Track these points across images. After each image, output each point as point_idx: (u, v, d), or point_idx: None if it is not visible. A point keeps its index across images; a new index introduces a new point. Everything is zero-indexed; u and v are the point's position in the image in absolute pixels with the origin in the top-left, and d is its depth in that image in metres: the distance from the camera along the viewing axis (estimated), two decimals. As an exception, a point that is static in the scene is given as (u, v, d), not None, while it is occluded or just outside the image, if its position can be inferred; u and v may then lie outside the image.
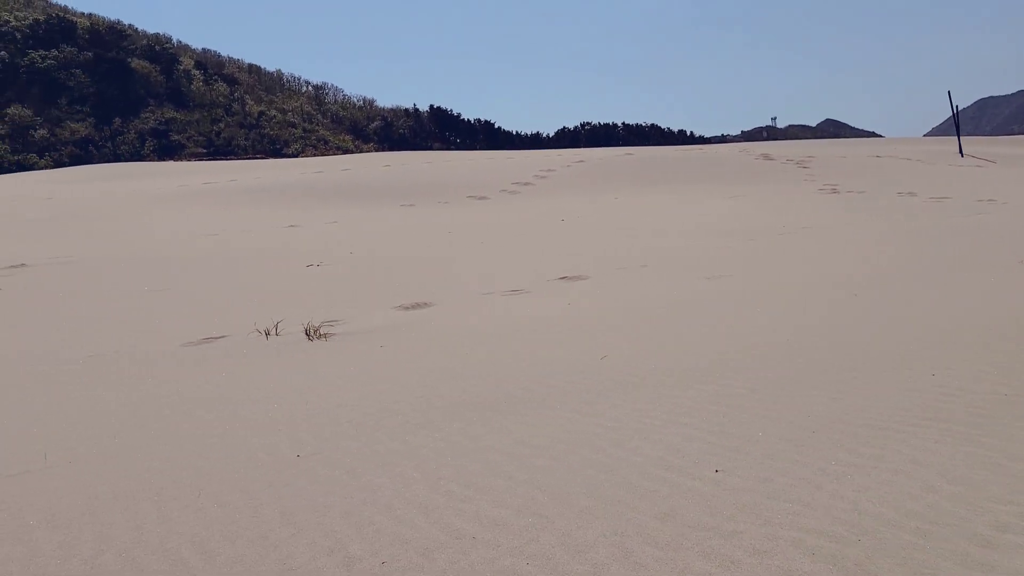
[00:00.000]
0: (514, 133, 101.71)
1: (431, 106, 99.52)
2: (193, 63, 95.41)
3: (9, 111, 79.21)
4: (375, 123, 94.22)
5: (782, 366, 6.73)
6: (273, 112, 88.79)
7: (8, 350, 10.74)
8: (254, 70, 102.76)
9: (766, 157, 41.22)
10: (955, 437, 4.84)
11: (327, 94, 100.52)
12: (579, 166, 38.80)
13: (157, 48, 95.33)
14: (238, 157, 72.74)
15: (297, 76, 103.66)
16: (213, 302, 12.96)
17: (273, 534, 4.34)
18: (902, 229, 17.23)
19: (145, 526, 4.70)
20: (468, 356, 8.11)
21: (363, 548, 4.03)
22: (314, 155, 77.04)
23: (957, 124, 44.15)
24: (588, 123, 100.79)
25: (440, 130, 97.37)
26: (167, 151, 76.44)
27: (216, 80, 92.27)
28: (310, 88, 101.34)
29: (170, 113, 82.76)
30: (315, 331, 9.66)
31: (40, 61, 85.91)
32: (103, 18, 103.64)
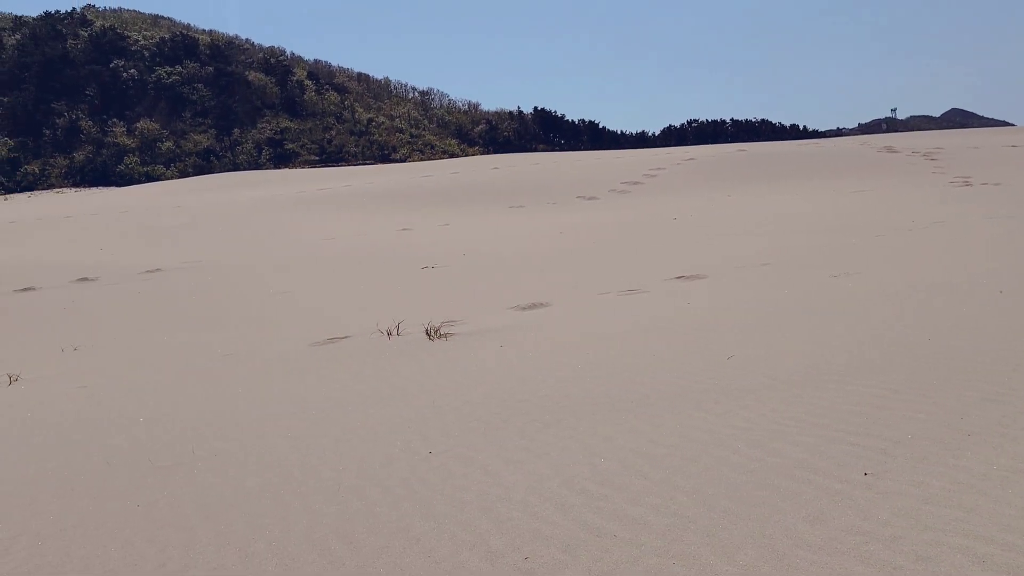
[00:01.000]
0: (619, 132, 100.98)
1: (535, 108, 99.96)
2: (306, 74, 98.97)
3: (139, 125, 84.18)
4: (480, 126, 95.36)
5: (926, 366, 6.41)
6: (381, 119, 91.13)
7: (150, 350, 11.39)
8: (363, 78, 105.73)
9: (889, 150, 39.49)
10: None
11: (433, 99, 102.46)
12: (689, 164, 38.18)
13: (272, 61, 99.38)
14: (349, 163, 74.99)
15: (404, 83, 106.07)
16: (335, 303, 13.39)
17: (414, 527, 4.43)
18: (1043, 222, 16.15)
19: (291, 518, 4.89)
20: (590, 356, 8.08)
21: (504, 543, 4.07)
22: (420, 159, 78.64)
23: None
24: (695, 120, 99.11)
25: (544, 132, 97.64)
26: (282, 159, 79.54)
27: (327, 89, 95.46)
28: (416, 94, 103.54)
29: (285, 123, 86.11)
30: (435, 331, 9.82)
31: (166, 77, 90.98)
32: (223, 34, 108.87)
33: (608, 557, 3.76)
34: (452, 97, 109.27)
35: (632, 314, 10.06)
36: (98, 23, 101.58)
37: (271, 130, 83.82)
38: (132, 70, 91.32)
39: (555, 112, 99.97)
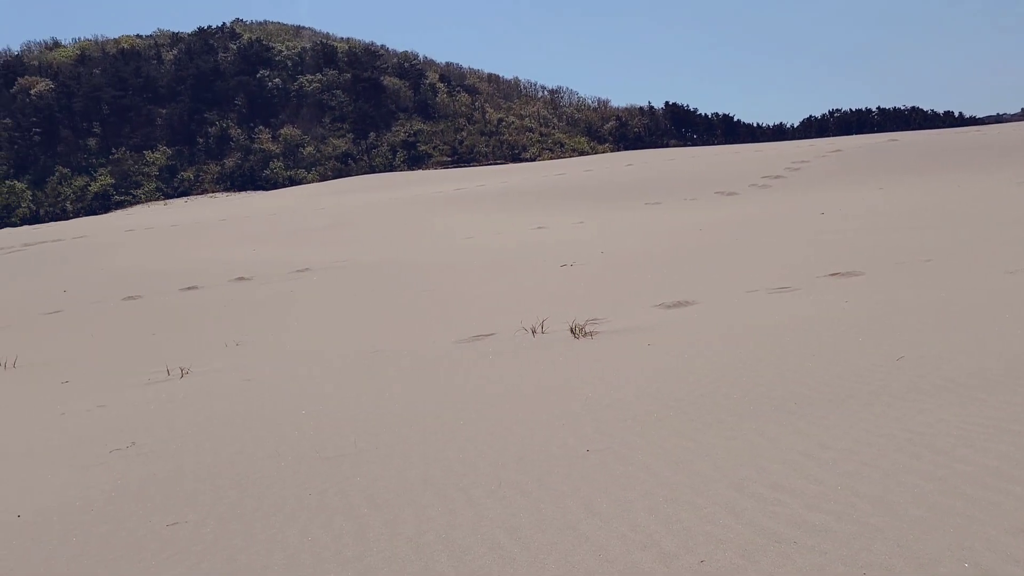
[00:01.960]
0: (755, 125, 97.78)
1: (666, 103, 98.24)
2: (438, 76, 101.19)
3: (283, 132, 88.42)
4: (610, 123, 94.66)
5: None
6: (511, 118, 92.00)
7: (305, 346, 11.93)
8: (493, 79, 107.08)
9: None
10: None
11: (562, 97, 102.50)
12: (836, 156, 36.52)
13: (406, 65, 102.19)
14: (479, 163, 76.20)
15: (533, 82, 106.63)
16: (477, 301, 13.60)
17: (581, 525, 4.42)
18: None
19: (457, 510, 4.98)
20: (743, 355, 7.85)
21: (676, 545, 3.99)
22: (550, 158, 78.88)
23: None
24: (837, 110, 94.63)
25: (676, 127, 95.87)
26: (415, 161, 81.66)
27: (459, 91, 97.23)
28: (546, 93, 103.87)
29: (418, 125, 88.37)
30: (580, 329, 9.79)
31: (307, 85, 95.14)
32: (359, 41, 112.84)
33: (789, 564, 3.63)
34: (581, 95, 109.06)
35: (785, 312, 9.71)
36: (246, 36, 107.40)
37: (405, 133, 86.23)
38: (276, 79, 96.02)
39: (687, 106, 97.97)
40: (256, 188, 79.40)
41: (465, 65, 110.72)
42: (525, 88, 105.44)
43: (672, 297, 11.47)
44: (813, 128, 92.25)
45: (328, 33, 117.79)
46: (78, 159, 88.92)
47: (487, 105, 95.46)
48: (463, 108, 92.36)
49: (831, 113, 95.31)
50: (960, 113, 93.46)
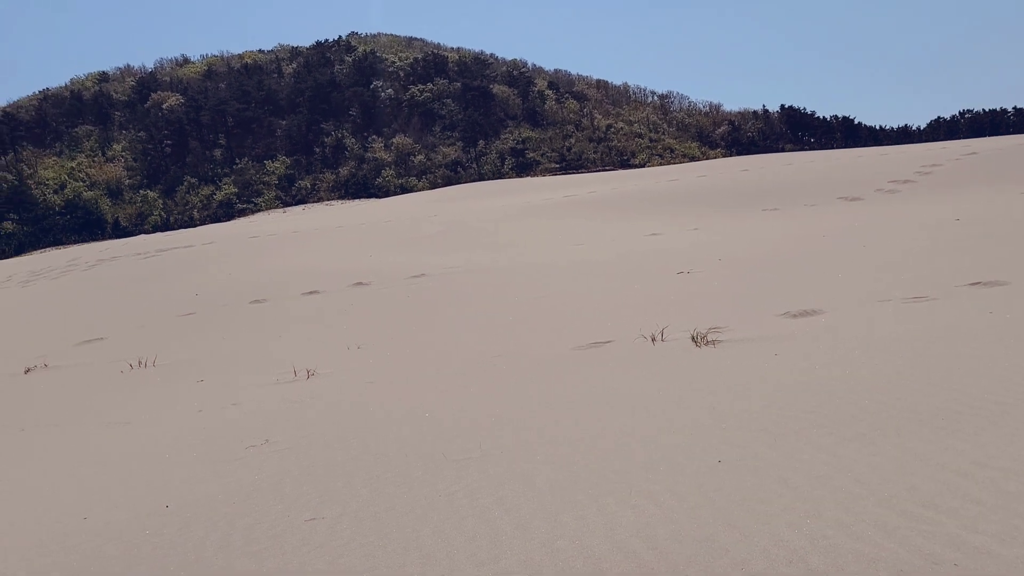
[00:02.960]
0: (877, 128, 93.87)
1: (782, 106, 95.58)
2: (546, 84, 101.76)
3: (395, 141, 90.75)
4: (722, 128, 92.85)
5: None
6: (620, 124, 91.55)
7: (424, 349, 12.14)
8: (602, 85, 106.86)
9: None
10: None
11: (672, 102, 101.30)
12: (971, 159, 34.59)
13: (515, 73, 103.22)
14: (588, 170, 76.04)
15: (642, 87, 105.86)
16: (592, 308, 13.54)
17: (719, 537, 4.32)
18: None
19: (588, 516, 4.96)
20: (879, 366, 7.51)
21: (824, 562, 3.85)
22: (660, 164, 77.98)
23: None
24: (968, 111, 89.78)
25: (792, 130, 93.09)
26: (523, 168, 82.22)
27: (567, 98, 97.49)
28: (655, 98, 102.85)
29: (526, 132, 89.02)
30: (702, 337, 9.61)
31: (419, 95, 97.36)
32: (469, 51, 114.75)
33: (951, 587, 3.44)
34: (692, 99, 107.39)
35: (922, 322, 9.24)
36: (360, 48, 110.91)
37: (513, 140, 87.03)
38: (389, 90, 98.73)
39: (804, 109, 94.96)
40: (369, 196, 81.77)
41: (574, 72, 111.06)
42: (634, 93, 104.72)
43: (797, 306, 11.10)
44: (942, 130, 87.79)
45: (439, 43, 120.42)
46: (205, 169, 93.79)
47: (595, 111, 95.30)
48: (571, 115, 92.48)
49: (962, 114, 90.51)
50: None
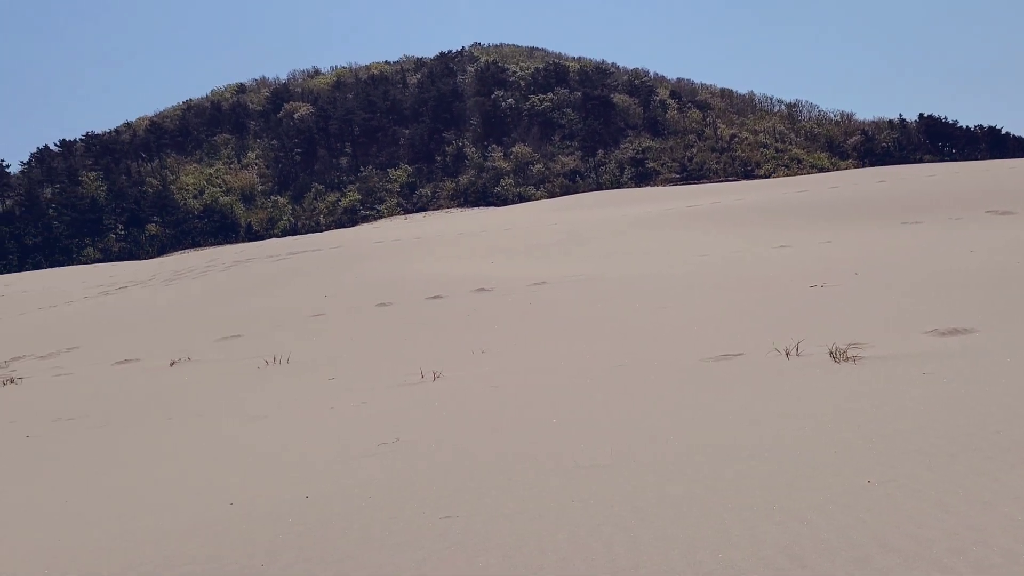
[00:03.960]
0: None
1: (920, 115, 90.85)
2: (668, 93, 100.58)
3: (514, 150, 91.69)
4: (854, 138, 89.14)
5: None
6: (745, 134, 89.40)
7: (546, 356, 12.15)
8: (726, 94, 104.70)
9: None
10: None
11: (801, 111, 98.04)
12: None
13: (636, 82, 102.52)
14: (709, 180, 74.62)
15: (769, 96, 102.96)
16: (720, 319, 13.24)
17: (875, 559, 4.12)
18: None
19: (730, 530, 4.82)
20: (1042, 390, 7.00)
21: (996, 594, 3.60)
22: (786, 175, 75.61)
23: None
24: None
25: (931, 140, 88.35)
26: (643, 178, 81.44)
27: (689, 107, 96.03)
28: (783, 107, 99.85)
29: (646, 142, 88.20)
30: (841, 353, 9.22)
31: (539, 104, 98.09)
32: (591, 60, 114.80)
33: None
34: (822, 108, 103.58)
35: (1089, 345, 8.58)
36: (482, 59, 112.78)
37: (633, 150, 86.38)
38: (510, 99, 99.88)
39: (944, 118, 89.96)
40: (487, 204, 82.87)
41: (697, 80, 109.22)
42: (760, 102, 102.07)
43: (946, 323, 10.50)
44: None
45: (560, 53, 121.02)
46: (331, 176, 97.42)
47: (719, 121, 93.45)
48: (694, 124, 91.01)
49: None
50: None
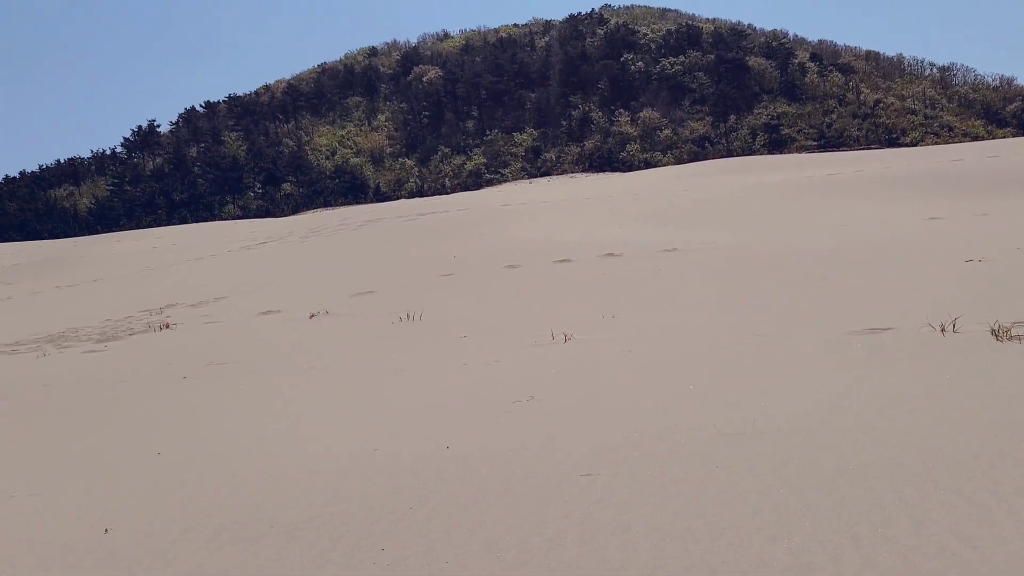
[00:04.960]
0: None
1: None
2: (808, 56, 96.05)
3: (642, 115, 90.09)
4: (1014, 104, 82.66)
5: None
6: (890, 99, 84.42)
7: (678, 323, 11.95)
8: (872, 57, 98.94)
9: None
10: None
11: (954, 75, 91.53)
12: None
13: (774, 44, 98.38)
14: (849, 148, 71.05)
15: (920, 59, 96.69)
16: (864, 292, 12.67)
17: (1055, 548, 3.87)
18: None
19: (888, 507, 4.65)
20: None
21: None
22: (935, 143, 71.04)
23: None
24: None
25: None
26: (776, 145, 78.42)
27: (830, 71, 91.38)
28: (934, 71, 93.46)
29: (782, 107, 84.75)
30: (1005, 331, 8.66)
31: (669, 68, 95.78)
32: (725, 21, 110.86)
33: None
34: (979, 72, 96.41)
35: None
36: (612, 21, 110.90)
37: (767, 115, 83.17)
38: (639, 63, 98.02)
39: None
40: (612, 170, 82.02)
41: (840, 43, 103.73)
42: (909, 66, 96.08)
43: (1122, 304, 9.68)
44: None
45: (693, 14, 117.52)
46: (457, 140, 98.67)
47: (863, 85, 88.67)
48: (834, 89, 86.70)
49: None
50: None
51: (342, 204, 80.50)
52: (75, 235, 70.46)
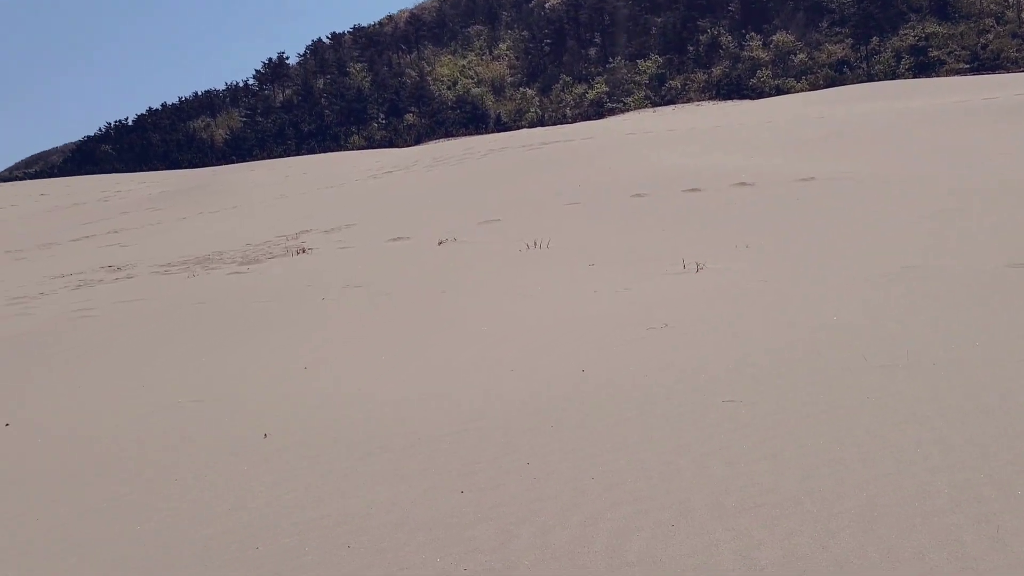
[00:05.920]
0: None
1: None
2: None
3: (775, 38, 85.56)
4: None
5: None
6: (1053, 17, 76.75)
7: (814, 253, 11.49)
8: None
9: None
10: None
11: None
12: None
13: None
14: (1007, 71, 65.42)
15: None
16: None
17: None
18: None
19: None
20: None
21: None
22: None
23: None
24: None
25: None
26: (923, 68, 73.04)
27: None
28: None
29: (931, 27, 78.52)
30: None
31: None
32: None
33: None
34: None
35: None
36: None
37: (914, 36, 77.28)
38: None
39: None
40: (741, 97, 78.69)
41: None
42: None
43: None
44: None
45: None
46: (579, 68, 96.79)
47: None
48: (992, 6, 79.54)
49: None
50: None
51: (463, 135, 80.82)
52: (212, 164, 73.97)
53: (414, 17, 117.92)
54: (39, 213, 39.07)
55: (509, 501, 4.50)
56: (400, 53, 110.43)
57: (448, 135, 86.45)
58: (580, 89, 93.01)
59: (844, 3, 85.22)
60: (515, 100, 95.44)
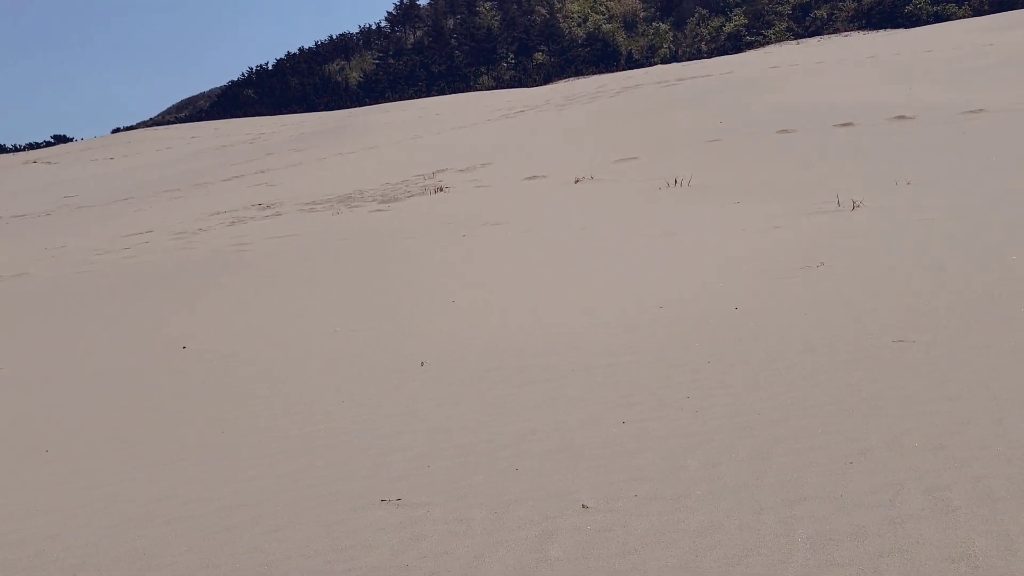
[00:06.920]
0: None
1: None
2: None
3: (933, -39, 79.01)
4: None
5: None
6: None
7: (988, 189, 10.68)
8: None
9: None
10: None
11: None
12: None
13: None
14: None
15: None
16: None
17: None
18: None
19: None
20: None
21: None
22: None
23: None
24: None
25: None
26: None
27: None
28: None
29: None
30: None
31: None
32: None
33: None
34: None
35: None
36: None
37: (1096, -46, 69.63)
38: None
39: None
40: (894, 26, 73.44)
41: None
42: None
43: None
44: None
45: None
46: (716, 1, 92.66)
47: None
48: None
49: None
50: None
51: (593, 73, 79.34)
52: (347, 107, 75.72)
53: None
54: (191, 155, 41.39)
55: (673, 432, 4.47)
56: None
57: (578, 74, 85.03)
58: (717, 22, 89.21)
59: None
60: (647, 35, 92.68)
